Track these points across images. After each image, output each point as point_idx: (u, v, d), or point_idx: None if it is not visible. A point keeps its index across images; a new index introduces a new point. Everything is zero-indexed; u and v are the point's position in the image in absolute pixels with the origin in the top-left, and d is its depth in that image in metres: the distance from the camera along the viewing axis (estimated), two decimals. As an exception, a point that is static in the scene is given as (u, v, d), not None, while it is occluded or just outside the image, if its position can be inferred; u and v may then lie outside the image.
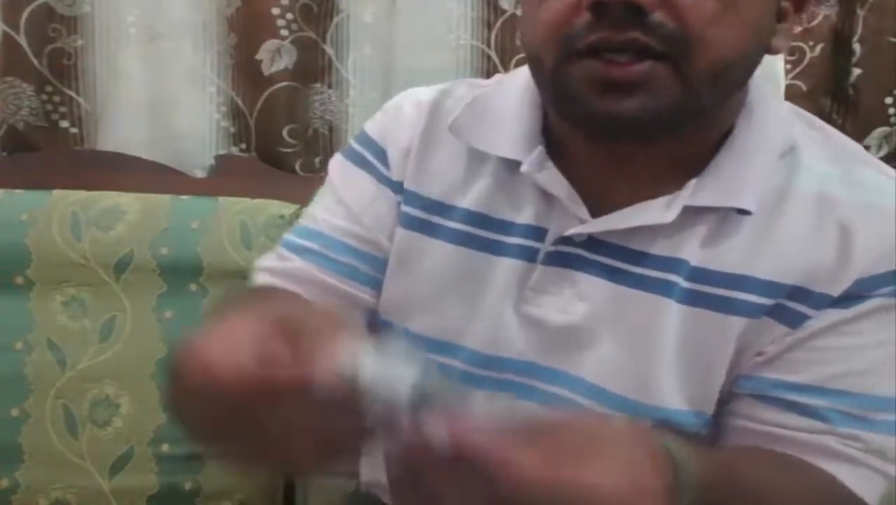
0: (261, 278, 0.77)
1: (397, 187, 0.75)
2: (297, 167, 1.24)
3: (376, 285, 0.76)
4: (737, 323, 0.64)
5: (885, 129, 1.22)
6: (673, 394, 0.65)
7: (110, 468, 1.05)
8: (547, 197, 0.68)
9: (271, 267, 0.76)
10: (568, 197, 0.66)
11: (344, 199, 0.77)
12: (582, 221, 0.66)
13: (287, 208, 1.10)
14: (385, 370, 0.39)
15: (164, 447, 1.06)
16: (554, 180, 0.66)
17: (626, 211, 0.65)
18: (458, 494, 0.36)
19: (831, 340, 0.63)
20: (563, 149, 0.68)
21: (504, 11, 1.20)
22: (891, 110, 1.22)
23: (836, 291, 0.63)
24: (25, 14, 1.17)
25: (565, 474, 0.35)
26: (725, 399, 0.67)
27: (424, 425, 0.37)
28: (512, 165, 0.68)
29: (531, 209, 0.69)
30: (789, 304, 0.64)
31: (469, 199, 0.71)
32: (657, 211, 0.64)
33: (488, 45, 1.21)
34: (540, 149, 0.67)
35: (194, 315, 1.07)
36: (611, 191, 0.66)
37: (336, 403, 0.39)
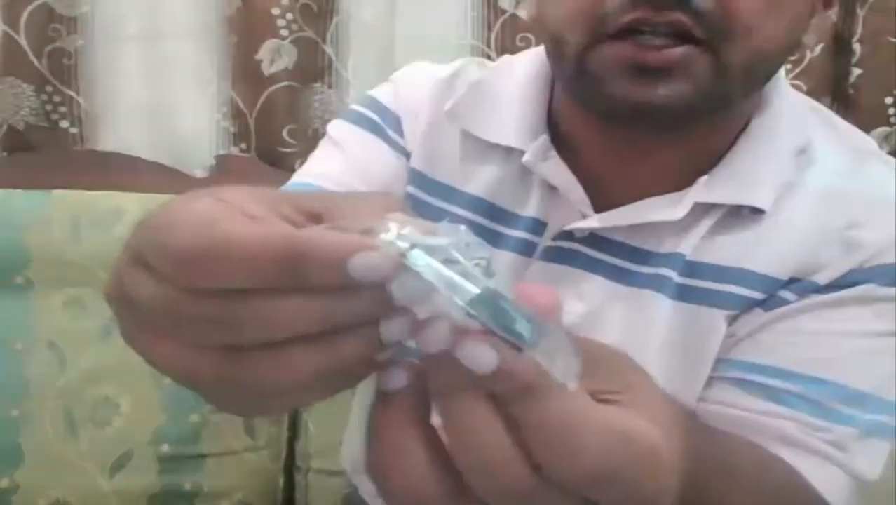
0: None
1: (409, 156, 0.71)
2: (297, 167, 1.24)
3: None
4: (723, 316, 0.62)
5: (885, 129, 1.22)
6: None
7: (110, 468, 1.05)
8: (549, 189, 0.64)
9: None
10: (571, 189, 0.63)
11: (351, 158, 0.71)
12: (585, 216, 0.63)
13: (287, 208, 1.10)
14: (450, 255, 0.28)
15: (164, 447, 1.06)
16: (557, 171, 0.63)
17: (633, 207, 0.62)
18: (476, 426, 0.29)
19: (805, 322, 0.60)
20: (569, 139, 0.64)
21: (504, 11, 1.20)
22: (891, 110, 1.22)
23: (826, 279, 0.60)
24: (25, 14, 1.17)
25: (611, 415, 0.30)
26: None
27: (482, 337, 0.28)
28: (516, 154, 0.65)
29: (534, 201, 0.65)
30: (780, 293, 0.61)
31: (476, 186, 0.68)
32: (666, 207, 0.61)
33: (488, 45, 1.21)
34: (544, 137, 0.63)
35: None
36: (617, 185, 0.63)
37: (372, 290, 0.27)
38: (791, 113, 0.64)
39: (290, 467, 1.11)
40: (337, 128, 0.74)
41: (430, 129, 0.70)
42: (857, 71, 1.20)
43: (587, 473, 0.29)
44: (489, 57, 1.20)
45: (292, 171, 1.23)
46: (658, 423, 0.31)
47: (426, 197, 0.70)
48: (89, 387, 1.06)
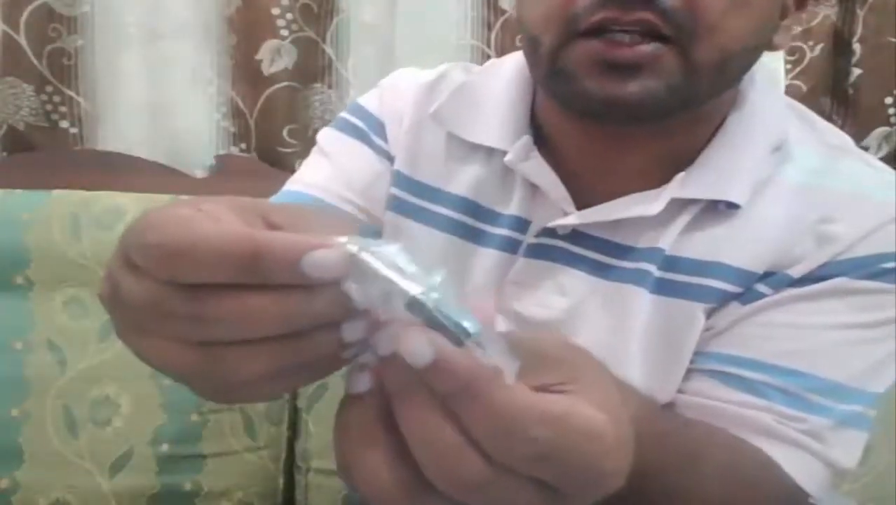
0: None
1: (394, 160, 0.73)
2: (297, 167, 1.24)
3: None
4: (701, 310, 0.63)
5: (885, 129, 1.22)
6: (639, 384, 0.63)
7: (110, 468, 1.05)
8: (532, 188, 0.66)
9: None
10: (553, 188, 0.65)
11: (338, 166, 0.74)
12: (566, 213, 0.65)
13: (287, 208, 1.10)
14: (397, 261, 0.31)
15: (164, 447, 1.06)
16: (539, 171, 0.65)
17: (612, 203, 0.63)
18: (426, 422, 0.31)
19: (781, 315, 0.62)
20: (551, 138, 0.67)
21: (504, 11, 1.20)
22: (891, 110, 1.22)
23: (800, 273, 0.62)
24: (25, 14, 1.17)
25: (552, 403, 0.31)
26: None
27: (421, 333, 0.30)
28: (499, 154, 0.67)
29: (517, 200, 0.67)
30: (756, 286, 0.63)
31: (459, 185, 0.70)
32: (643, 204, 0.62)
33: (488, 45, 1.21)
34: (526, 138, 0.65)
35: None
36: (598, 183, 0.64)
37: (329, 291, 0.30)
38: (768, 110, 0.65)
39: (290, 467, 1.11)
40: (325, 136, 0.77)
41: (414, 132, 0.72)
42: (857, 71, 1.20)
43: (530, 457, 0.31)
44: (489, 57, 1.20)
45: (292, 171, 1.22)
46: (605, 408, 0.32)
47: (410, 198, 0.71)
48: (89, 387, 1.06)
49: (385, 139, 0.73)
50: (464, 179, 0.69)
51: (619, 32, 0.55)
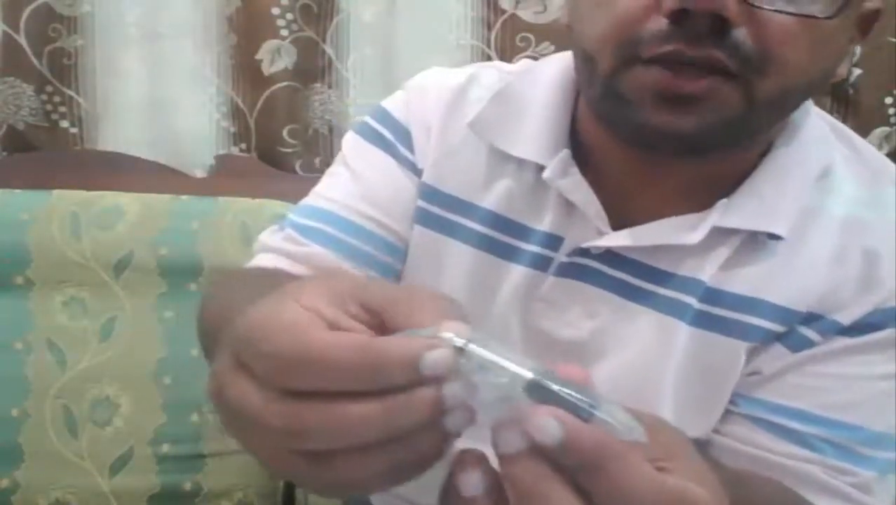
0: (265, 258, 0.70)
1: (420, 174, 0.70)
2: (297, 167, 1.24)
3: (392, 276, 0.70)
4: (743, 349, 0.61)
5: (885, 129, 1.22)
6: (671, 418, 0.60)
7: (110, 468, 1.05)
8: (568, 204, 0.63)
9: (279, 247, 0.69)
10: (589, 206, 0.62)
11: (360, 179, 0.70)
12: (601, 233, 0.62)
13: (287, 208, 1.10)
14: (500, 353, 0.32)
15: (164, 447, 1.06)
16: (576, 188, 0.62)
17: (650, 227, 0.61)
18: (550, 498, 0.31)
19: (833, 367, 0.60)
20: (590, 154, 0.64)
21: (504, 11, 1.20)
22: (891, 110, 1.22)
23: (848, 319, 0.60)
24: (25, 14, 1.17)
25: (669, 480, 0.32)
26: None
27: (539, 415, 0.31)
28: (535, 167, 0.64)
29: (550, 216, 0.64)
30: (799, 328, 0.61)
31: (490, 200, 0.67)
32: (683, 230, 0.60)
33: (488, 45, 1.21)
34: (565, 152, 0.62)
35: (194, 315, 1.06)
36: (636, 203, 0.62)
37: (431, 391, 0.31)
38: (814, 136, 0.63)
39: (290, 467, 1.11)
40: (349, 144, 0.73)
41: (443, 141, 0.69)
42: (857, 71, 1.20)
43: None
44: (489, 57, 1.20)
45: (292, 171, 1.24)
46: (705, 485, 0.33)
47: (439, 211, 0.69)
48: (89, 387, 1.06)
49: (411, 149, 0.70)
50: (495, 192, 0.67)
51: (685, 65, 0.52)
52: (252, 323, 0.33)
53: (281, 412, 0.32)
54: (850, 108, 1.22)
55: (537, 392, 0.32)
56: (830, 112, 1.23)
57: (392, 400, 0.31)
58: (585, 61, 0.57)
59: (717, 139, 0.55)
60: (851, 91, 1.21)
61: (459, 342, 0.31)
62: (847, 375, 0.60)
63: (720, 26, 0.50)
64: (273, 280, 0.61)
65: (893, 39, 1.18)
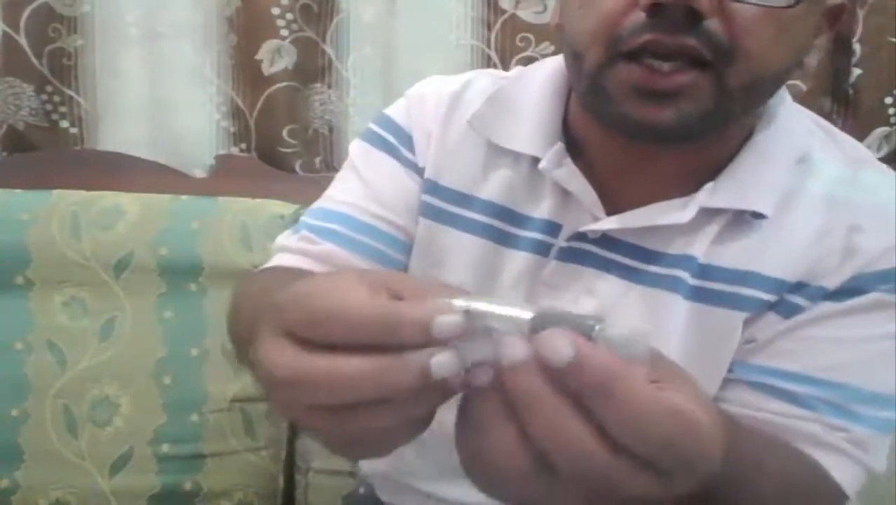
0: (283, 258, 0.75)
1: (422, 173, 0.75)
2: (297, 167, 1.24)
3: (401, 270, 0.76)
4: (739, 318, 0.65)
5: (885, 129, 1.22)
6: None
7: (110, 468, 1.05)
8: (564, 193, 0.68)
9: (297, 248, 0.74)
10: (584, 194, 0.66)
11: (368, 182, 0.76)
12: (597, 219, 0.66)
13: (287, 208, 1.10)
14: (503, 307, 0.35)
15: (164, 447, 1.06)
16: (571, 177, 0.67)
17: (643, 210, 0.65)
18: (559, 422, 0.34)
19: (822, 330, 0.64)
20: (583, 145, 0.68)
21: (504, 11, 1.20)
22: (891, 110, 1.22)
23: (833, 285, 0.64)
24: (25, 14, 1.17)
25: (670, 397, 0.34)
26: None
27: (560, 333, 0.33)
28: (531, 160, 0.69)
29: (548, 204, 0.69)
30: (789, 297, 0.65)
31: (489, 191, 0.71)
32: (674, 211, 0.64)
33: (488, 45, 1.21)
34: (559, 145, 0.67)
35: (194, 315, 1.07)
36: (628, 189, 0.66)
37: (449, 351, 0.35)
38: (792, 123, 0.67)
39: (290, 467, 1.11)
40: (355, 150, 0.79)
41: (443, 141, 0.74)
42: (857, 71, 1.20)
43: (655, 445, 0.34)
44: (489, 57, 1.21)
45: (292, 171, 1.24)
46: (701, 405, 0.36)
47: (442, 204, 0.74)
48: (89, 387, 1.06)
49: (413, 151, 0.75)
50: (494, 185, 0.71)
51: (660, 59, 0.56)
52: (299, 290, 0.38)
53: (305, 365, 0.36)
54: (850, 108, 1.22)
55: (542, 328, 0.34)
56: (830, 112, 1.23)
57: (386, 359, 0.35)
58: (574, 58, 0.62)
59: (694, 128, 0.59)
60: (851, 91, 1.21)
61: (463, 304, 0.35)
62: (835, 338, 0.64)
63: (693, 17, 0.55)
64: (298, 275, 0.67)
65: (893, 39, 1.18)
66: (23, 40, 1.18)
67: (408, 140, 0.76)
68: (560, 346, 0.33)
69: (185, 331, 1.06)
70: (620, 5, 0.57)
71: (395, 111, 0.78)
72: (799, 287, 0.64)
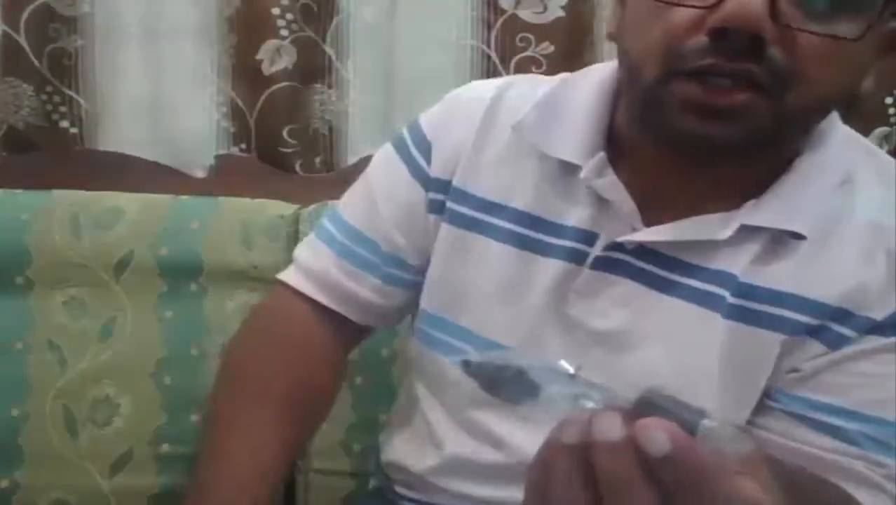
0: (296, 278, 0.81)
1: (433, 185, 0.75)
2: (297, 167, 1.24)
3: (393, 282, 0.79)
4: (777, 340, 0.65)
5: (885, 129, 1.22)
6: (709, 408, 0.65)
7: (110, 468, 1.05)
8: (602, 202, 0.68)
9: (304, 266, 0.81)
10: (624, 203, 0.66)
11: (371, 186, 0.79)
12: (635, 229, 0.66)
13: (287, 208, 1.10)
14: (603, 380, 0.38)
15: (164, 447, 1.06)
16: (612, 187, 0.67)
17: (682, 223, 0.65)
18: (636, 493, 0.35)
19: (869, 365, 0.64)
20: (625, 155, 0.68)
21: (504, 11, 1.20)
22: (891, 110, 1.22)
23: (879, 316, 0.63)
24: (25, 14, 1.17)
25: (753, 493, 0.36)
26: (753, 410, 0.67)
27: (651, 427, 0.35)
28: (570, 168, 0.69)
29: (584, 212, 0.69)
30: (832, 325, 0.64)
31: (520, 199, 0.72)
32: (713, 227, 0.64)
33: (488, 45, 1.21)
34: (602, 155, 0.67)
35: (194, 315, 1.07)
36: (668, 201, 0.66)
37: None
38: (839, 145, 0.67)
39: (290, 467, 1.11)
40: (378, 152, 0.82)
41: (476, 147, 0.74)
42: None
43: None
44: (489, 57, 1.21)
45: (292, 171, 1.24)
46: (769, 490, 0.37)
47: (470, 211, 0.74)
48: (89, 387, 1.05)
49: (429, 161, 0.76)
50: (527, 192, 0.72)
51: (719, 77, 0.56)
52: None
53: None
54: (850, 108, 1.21)
55: (643, 407, 0.36)
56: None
57: None
58: (631, 71, 0.62)
59: (748, 147, 0.60)
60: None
61: (570, 369, 0.37)
62: (883, 374, 0.64)
63: (756, 44, 0.55)
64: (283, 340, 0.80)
65: (893, 39, 1.19)
66: (23, 40, 1.18)
67: (426, 149, 0.76)
68: (659, 438, 0.34)
69: (185, 331, 1.06)
70: (685, 26, 0.57)
71: (426, 117, 0.79)
72: (844, 315, 0.64)
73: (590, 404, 0.37)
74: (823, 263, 0.64)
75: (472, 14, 1.21)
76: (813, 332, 0.64)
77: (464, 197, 0.74)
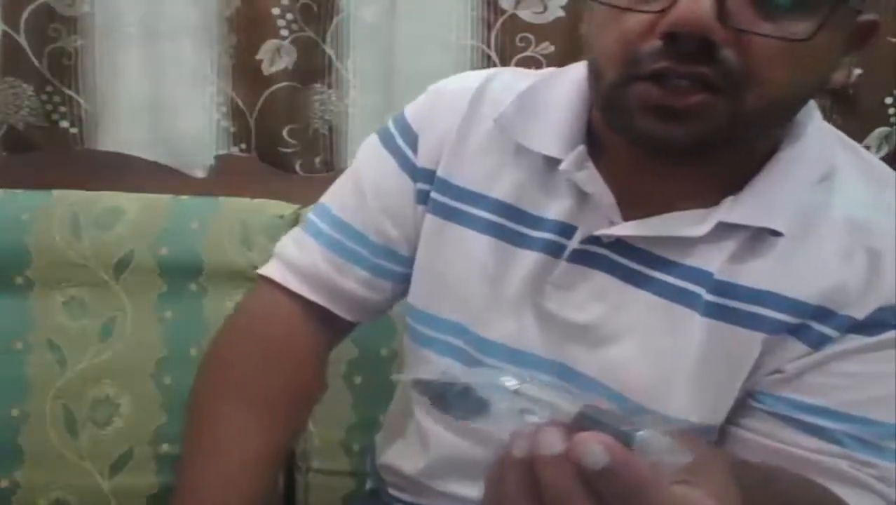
0: (281, 273, 0.80)
1: (420, 174, 0.76)
2: (297, 167, 1.24)
3: (383, 274, 0.79)
4: (758, 339, 0.64)
5: (885, 129, 1.22)
6: (683, 405, 0.66)
7: (110, 468, 1.05)
8: (581, 195, 0.68)
9: (289, 261, 0.80)
10: (603, 197, 0.66)
11: (360, 179, 0.79)
12: (613, 223, 0.66)
13: (287, 208, 1.10)
14: (552, 394, 0.39)
15: (164, 447, 1.06)
16: (591, 180, 0.67)
17: (660, 219, 0.65)
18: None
19: (852, 365, 0.63)
20: (604, 149, 0.68)
21: (504, 11, 1.20)
22: (891, 110, 1.22)
23: (860, 315, 0.63)
24: (25, 14, 1.17)
25: (687, 496, 0.37)
26: (736, 411, 0.67)
27: (597, 437, 0.36)
28: (550, 161, 0.69)
29: (563, 205, 0.69)
30: (813, 324, 0.64)
31: (500, 190, 0.72)
32: (691, 223, 0.64)
33: (488, 46, 1.21)
34: (581, 148, 0.67)
35: (194, 315, 1.07)
36: (647, 196, 0.66)
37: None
38: (818, 141, 0.67)
39: (290, 467, 1.11)
40: (364, 145, 0.81)
41: (459, 138, 0.74)
42: (857, 71, 1.20)
43: None
44: (489, 57, 1.20)
45: (292, 171, 1.24)
46: (722, 497, 0.38)
47: (451, 202, 0.74)
48: (89, 387, 1.06)
49: (416, 151, 0.76)
50: (508, 184, 0.72)
51: (675, 79, 0.57)
52: None
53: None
54: (850, 108, 1.21)
55: (583, 421, 0.37)
56: (830, 112, 1.23)
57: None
58: (594, 74, 0.63)
59: (708, 147, 0.60)
60: (851, 91, 1.21)
61: (515, 384, 0.39)
62: (866, 374, 0.64)
63: (708, 47, 0.56)
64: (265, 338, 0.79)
65: (893, 39, 1.18)
66: (23, 40, 1.18)
67: (413, 139, 0.76)
68: (596, 451, 0.35)
69: (185, 331, 1.06)
70: (638, 31, 0.58)
71: (411, 108, 0.79)
72: (824, 314, 0.63)
73: (534, 419, 0.38)
74: (802, 260, 0.64)
75: (472, 14, 1.20)
76: (794, 331, 0.64)
77: (446, 186, 0.74)
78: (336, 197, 0.81)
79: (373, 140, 0.80)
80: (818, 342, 0.64)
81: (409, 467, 0.80)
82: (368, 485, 0.95)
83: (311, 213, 0.82)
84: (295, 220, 1.08)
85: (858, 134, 1.21)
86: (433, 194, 0.75)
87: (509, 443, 0.39)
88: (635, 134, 0.61)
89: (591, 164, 0.67)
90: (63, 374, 1.05)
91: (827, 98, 1.22)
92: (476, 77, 0.77)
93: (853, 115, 1.21)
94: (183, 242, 1.07)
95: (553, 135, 0.69)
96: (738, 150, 0.63)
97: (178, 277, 1.07)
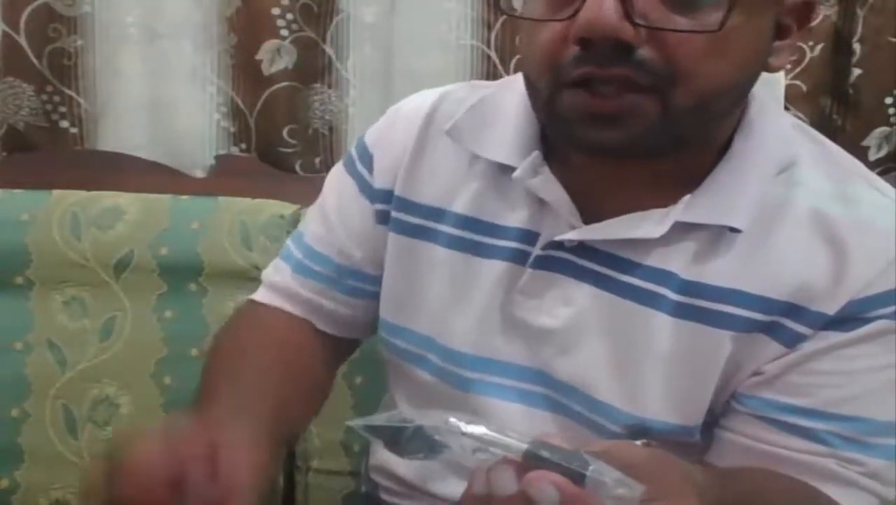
0: (262, 294, 0.83)
1: (377, 195, 0.76)
2: (297, 167, 1.24)
3: (355, 294, 0.80)
4: (727, 337, 0.64)
5: (885, 129, 1.22)
6: (658, 406, 0.66)
7: (110, 468, 1.05)
8: (540, 202, 0.68)
9: (269, 282, 0.82)
10: (561, 202, 0.66)
11: (325, 206, 0.80)
12: (573, 227, 0.66)
13: (287, 208, 1.10)
14: (501, 435, 0.40)
15: (164, 447, 1.06)
16: (548, 186, 0.66)
17: (618, 221, 0.65)
18: None
19: (830, 363, 0.63)
20: (559, 155, 0.68)
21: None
22: (891, 110, 1.22)
23: (831, 310, 0.62)
24: (25, 14, 1.17)
25: None
26: (718, 412, 0.67)
27: (546, 476, 0.38)
28: (506, 169, 0.69)
29: (523, 213, 0.69)
30: (785, 321, 0.63)
31: (460, 203, 0.72)
32: (649, 224, 0.64)
33: (488, 46, 1.21)
34: (536, 154, 0.67)
35: (194, 315, 1.07)
36: (605, 199, 0.66)
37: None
38: (774, 132, 0.66)
39: (290, 467, 1.11)
40: (331, 172, 0.83)
41: (415, 155, 0.75)
42: (857, 71, 1.20)
43: None
44: (489, 57, 1.20)
45: (292, 171, 1.24)
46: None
47: (412, 219, 0.74)
48: (89, 387, 1.06)
49: (371, 172, 0.77)
50: (467, 196, 0.72)
51: (600, 84, 0.57)
52: None
53: None
54: (850, 108, 1.21)
55: (536, 461, 0.38)
56: (830, 112, 1.23)
57: None
58: (528, 87, 0.64)
59: (645, 147, 0.60)
60: (851, 91, 1.21)
61: (464, 426, 0.40)
62: (845, 371, 0.63)
63: (623, 49, 0.56)
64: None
65: (893, 39, 1.18)
66: (23, 40, 1.18)
67: (369, 161, 0.77)
68: (547, 490, 0.37)
69: (185, 331, 1.06)
70: (556, 40, 0.58)
71: (370, 131, 0.80)
72: (794, 311, 0.63)
73: (486, 457, 0.40)
74: (766, 256, 0.63)
75: (472, 14, 1.20)
76: (766, 329, 0.63)
77: (406, 205, 0.74)
78: (308, 223, 0.82)
79: (338, 166, 0.82)
80: (793, 341, 0.63)
81: (399, 469, 0.80)
82: (363, 487, 0.95)
83: (288, 240, 0.84)
84: (295, 220, 1.08)
85: (858, 134, 1.21)
86: (394, 214, 0.75)
87: (469, 481, 0.41)
88: (575, 142, 0.62)
89: (546, 170, 0.67)
90: (63, 374, 1.05)
91: (827, 98, 1.22)
92: (431, 95, 0.77)
93: (853, 115, 1.21)
94: (183, 242, 1.07)
95: (506, 142, 0.69)
96: (687, 147, 0.62)
97: (178, 277, 1.07)
